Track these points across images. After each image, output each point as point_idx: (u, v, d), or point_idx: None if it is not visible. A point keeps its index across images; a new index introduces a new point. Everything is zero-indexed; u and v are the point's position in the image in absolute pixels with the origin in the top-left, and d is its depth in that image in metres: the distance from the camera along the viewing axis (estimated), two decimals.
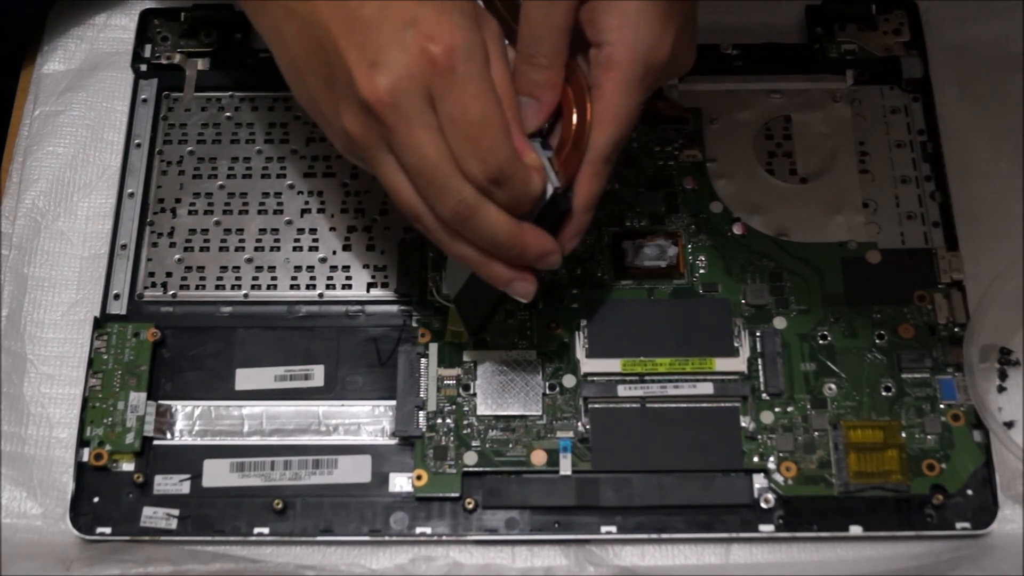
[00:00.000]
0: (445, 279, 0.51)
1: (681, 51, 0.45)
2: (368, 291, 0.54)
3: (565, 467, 0.50)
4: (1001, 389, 0.53)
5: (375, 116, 0.40)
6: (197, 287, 0.54)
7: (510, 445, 0.51)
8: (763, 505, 0.50)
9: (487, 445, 0.51)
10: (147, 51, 0.59)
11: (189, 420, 0.52)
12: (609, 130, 0.43)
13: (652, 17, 0.43)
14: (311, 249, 0.55)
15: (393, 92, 0.40)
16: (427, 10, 0.40)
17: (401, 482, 0.51)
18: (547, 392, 0.52)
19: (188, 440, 0.52)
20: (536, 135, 0.44)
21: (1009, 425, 0.52)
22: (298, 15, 0.42)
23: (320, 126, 0.44)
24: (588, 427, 0.51)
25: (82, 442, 0.51)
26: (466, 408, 0.51)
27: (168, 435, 0.52)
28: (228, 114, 0.58)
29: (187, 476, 0.51)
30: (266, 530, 0.50)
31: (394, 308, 0.54)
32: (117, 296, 0.54)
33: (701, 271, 0.54)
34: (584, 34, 0.43)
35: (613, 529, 0.50)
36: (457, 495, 0.50)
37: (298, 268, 0.54)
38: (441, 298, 0.53)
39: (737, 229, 0.55)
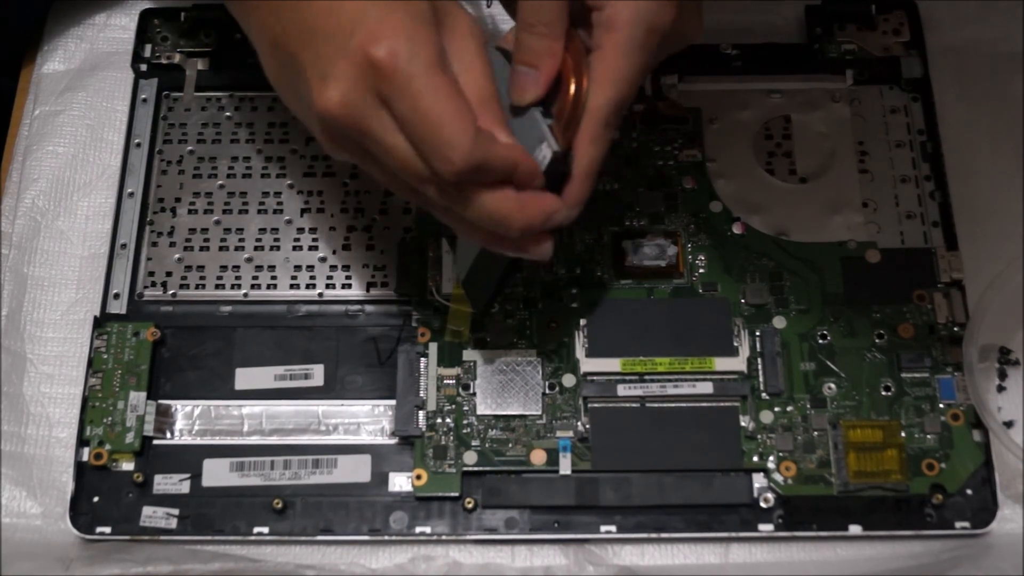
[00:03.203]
0: (456, 260, 0.51)
1: (687, 16, 0.44)
2: (368, 290, 0.54)
3: (565, 467, 0.50)
4: (1001, 389, 0.53)
5: (336, 127, 0.41)
6: (197, 286, 0.54)
7: (510, 445, 0.51)
8: (762, 504, 0.50)
9: (487, 444, 0.51)
10: (147, 51, 0.59)
11: (189, 420, 0.52)
12: (608, 92, 0.42)
13: None
14: (311, 248, 0.55)
15: (344, 104, 0.40)
16: (371, 15, 0.39)
17: (401, 482, 0.51)
18: (547, 392, 0.52)
19: (188, 440, 0.52)
20: (538, 104, 0.43)
21: (1008, 425, 0.52)
22: (267, 31, 0.42)
23: None
24: (588, 427, 0.51)
25: (82, 441, 0.51)
26: (466, 407, 0.52)
27: (168, 435, 0.52)
28: (228, 114, 0.58)
29: (187, 476, 0.51)
30: (266, 529, 0.50)
31: (394, 308, 0.54)
32: (117, 295, 0.54)
33: (701, 271, 0.54)
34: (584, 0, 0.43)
35: (612, 528, 0.50)
36: (457, 495, 0.50)
37: (298, 267, 0.54)
38: (441, 297, 0.53)
39: (737, 229, 0.55)
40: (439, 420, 0.51)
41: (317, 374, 0.53)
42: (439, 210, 0.43)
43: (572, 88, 0.43)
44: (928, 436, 0.51)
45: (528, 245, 0.43)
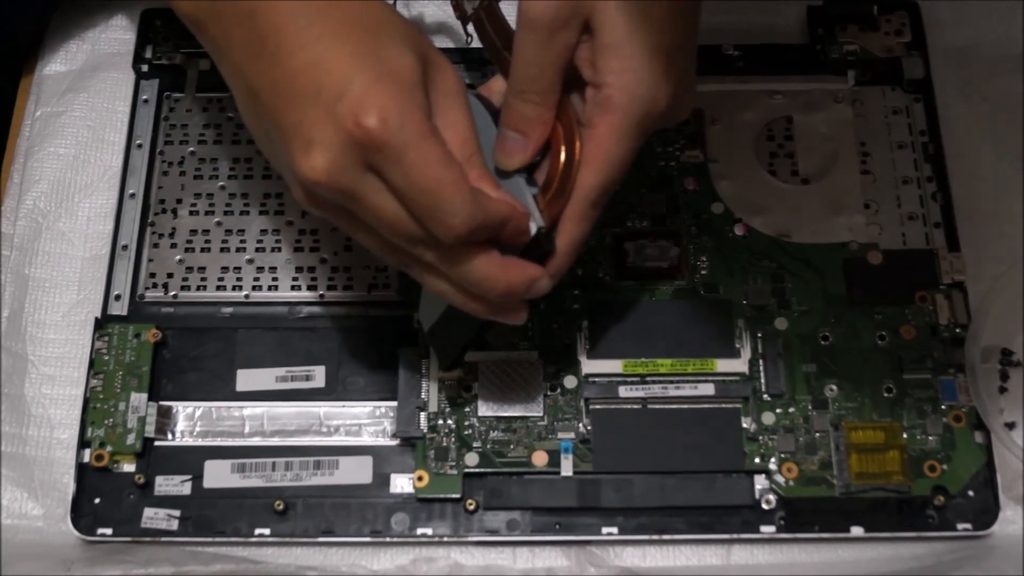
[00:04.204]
0: (420, 311, 0.50)
1: (681, 99, 0.44)
2: (369, 292, 0.54)
3: (566, 468, 0.50)
4: (1002, 390, 0.52)
5: (322, 194, 0.40)
6: (198, 288, 0.54)
7: (511, 446, 0.51)
8: (764, 506, 0.50)
9: (488, 446, 0.51)
10: (148, 52, 0.59)
11: (190, 421, 0.52)
12: (598, 173, 0.42)
13: (655, 65, 0.42)
14: (312, 250, 0.55)
15: (331, 172, 0.38)
16: (359, 80, 0.38)
17: (402, 483, 0.51)
18: (548, 393, 0.52)
19: (189, 441, 0.52)
20: (522, 171, 0.43)
21: (1010, 426, 0.52)
22: (243, 76, 0.41)
23: None
24: (589, 428, 0.51)
25: (83, 443, 0.51)
26: (467, 409, 0.51)
27: (169, 436, 0.52)
28: (229, 115, 0.58)
29: (188, 477, 0.51)
30: (267, 531, 0.50)
31: (395, 309, 0.54)
32: (118, 297, 0.54)
33: (702, 272, 0.54)
34: (580, 72, 0.42)
35: (614, 530, 0.50)
36: (458, 496, 0.50)
37: (299, 269, 0.54)
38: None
39: (738, 230, 0.55)
40: (440, 421, 0.51)
41: (318, 375, 0.53)
42: (419, 270, 0.42)
43: (562, 159, 0.42)
44: (930, 437, 0.51)
45: (503, 310, 0.43)
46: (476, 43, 0.46)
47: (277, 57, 0.39)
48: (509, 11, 0.44)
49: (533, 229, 0.42)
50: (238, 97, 0.42)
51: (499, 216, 0.40)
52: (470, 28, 0.46)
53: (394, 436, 0.51)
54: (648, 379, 0.52)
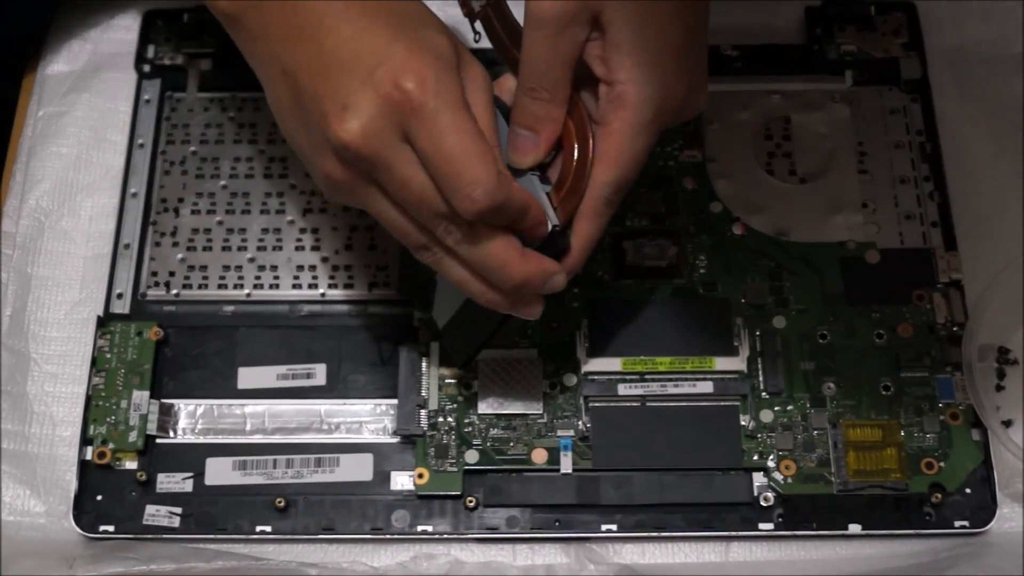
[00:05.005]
0: (435, 309, 0.51)
1: (694, 94, 0.44)
2: (370, 290, 0.54)
3: (566, 465, 0.51)
4: (999, 388, 0.53)
5: (353, 158, 0.40)
6: (200, 286, 0.54)
7: (511, 443, 0.51)
8: (763, 503, 0.50)
9: (488, 444, 0.51)
10: (150, 52, 0.59)
11: (192, 418, 0.52)
12: (613, 170, 0.42)
13: (667, 60, 0.42)
14: (313, 248, 0.55)
15: (365, 134, 0.39)
16: (398, 50, 0.39)
17: (403, 480, 0.51)
18: (548, 391, 0.52)
19: (191, 438, 0.52)
20: (535, 170, 0.43)
21: (1007, 424, 0.52)
22: (279, 60, 0.42)
23: (308, 171, 0.44)
24: (588, 426, 0.51)
25: (85, 440, 0.51)
26: (467, 407, 0.52)
27: (171, 433, 0.52)
28: (231, 114, 0.58)
29: (190, 474, 0.51)
30: (268, 528, 0.50)
31: (396, 307, 0.54)
32: (120, 295, 0.54)
33: (701, 271, 0.54)
34: (591, 69, 0.43)
35: (613, 527, 0.50)
36: (458, 493, 0.50)
37: (300, 267, 0.55)
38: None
39: (737, 229, 0.55)
40: (441, 419, 0.52)
41: (319, 373, 0.53)
42: (439, 254, 0.43)
43: (575, 156, 0.43)
44: (927, 435, 0.51)
45: (519, 303, 0.43)
46: (484, 42, 0.47)
47: (316, 38, 0.40)
48: (516, 10, 0.45)
49: (548, 227, 0.42)
50: (271, 83, 0.43)
51: (520, 201, 0.41)
52: (478, 26, 0.46)
53: (394, 434, 0.52)
54: (647, 377, 0.52)
